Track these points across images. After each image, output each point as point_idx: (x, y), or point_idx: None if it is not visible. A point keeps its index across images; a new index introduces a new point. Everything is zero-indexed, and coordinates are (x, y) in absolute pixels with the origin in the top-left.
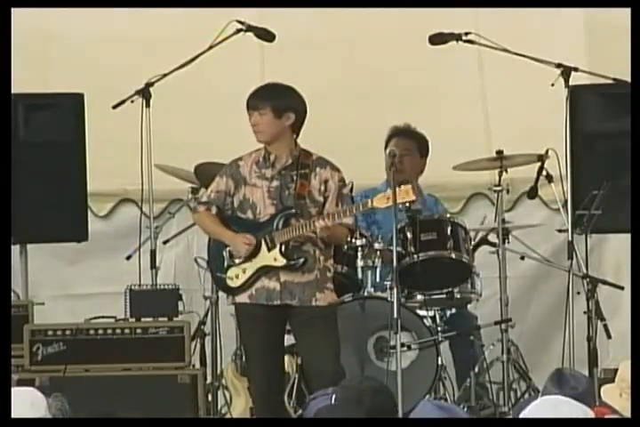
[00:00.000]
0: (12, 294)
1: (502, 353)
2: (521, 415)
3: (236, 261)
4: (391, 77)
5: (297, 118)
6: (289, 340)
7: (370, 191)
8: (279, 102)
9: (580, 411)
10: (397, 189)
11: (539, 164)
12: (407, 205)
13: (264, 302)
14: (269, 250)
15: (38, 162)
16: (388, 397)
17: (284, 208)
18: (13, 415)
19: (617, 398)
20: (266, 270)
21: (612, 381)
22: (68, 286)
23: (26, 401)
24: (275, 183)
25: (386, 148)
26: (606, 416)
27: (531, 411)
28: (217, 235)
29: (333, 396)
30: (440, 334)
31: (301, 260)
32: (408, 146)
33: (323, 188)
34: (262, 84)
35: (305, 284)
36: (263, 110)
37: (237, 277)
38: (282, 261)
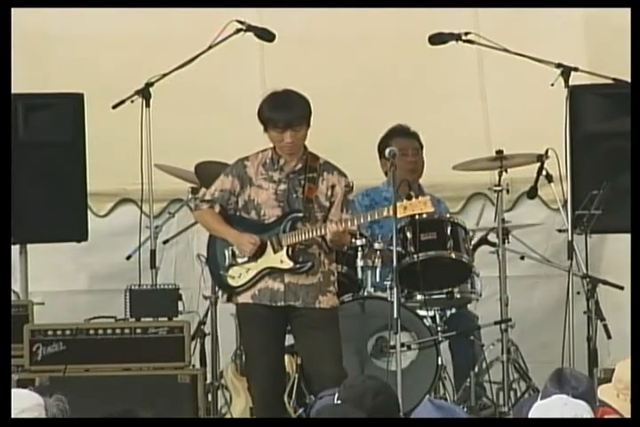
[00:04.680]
0: (12, 294)
1: (502, 353)
2: (530, 414)
3: (239, 260)
4: (391, 77)
5: None
6: (289, 340)
7: (372, 190)
8: (307, 114)
9: (584, 411)
10: (415, 199)
11: (538, 164)
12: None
13: (267, 303)
14: (275, 251)
15: (38, 162)
16: (390, 397)
17: (291, 211)
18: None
19: (614, 398)
20: (270, 271)
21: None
22: (69, 282)
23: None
24: (282, 186)
25: (382, 148)
26: (606, 416)
27: (536, 410)
28: (221, 233)
29: (336, 395)
30: (440, 334)
31: (309, 264)
32: (415, 145)
33: (330, 193)
34: (261, 84)
35: (309, 286)
36: (299, 127)
37: (240, 276)
38: (288, 264)
